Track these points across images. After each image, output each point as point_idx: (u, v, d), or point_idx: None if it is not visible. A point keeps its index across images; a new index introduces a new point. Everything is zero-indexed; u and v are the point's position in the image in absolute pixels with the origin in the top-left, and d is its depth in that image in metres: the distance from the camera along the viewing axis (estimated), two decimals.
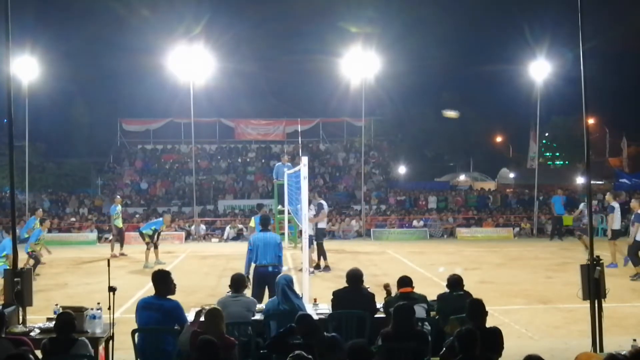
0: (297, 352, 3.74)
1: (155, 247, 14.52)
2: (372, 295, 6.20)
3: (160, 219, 15.28)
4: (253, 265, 7.92)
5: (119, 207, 16.55)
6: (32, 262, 12.20)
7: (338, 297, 6.10)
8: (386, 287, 6.67)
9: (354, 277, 6.20)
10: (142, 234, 14.64)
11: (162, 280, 5.52)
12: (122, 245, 16.39)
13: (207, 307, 5.58)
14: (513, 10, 44.73)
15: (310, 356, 3.74)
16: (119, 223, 16.33)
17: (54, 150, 34.07)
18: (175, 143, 32.69)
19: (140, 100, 36.23)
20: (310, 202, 13.80)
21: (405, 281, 6.14)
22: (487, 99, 43.59)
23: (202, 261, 15.78)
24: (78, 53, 34.96)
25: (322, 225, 13.56)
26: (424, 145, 39.95)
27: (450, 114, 19.65)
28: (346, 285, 6.26)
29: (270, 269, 7.76)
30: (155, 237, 14.54)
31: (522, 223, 23.54)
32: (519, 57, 26.95)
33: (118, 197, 18.10)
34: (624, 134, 32.17)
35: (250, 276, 7.73)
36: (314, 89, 39.51)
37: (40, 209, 16.80)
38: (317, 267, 13.13)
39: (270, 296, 7.21)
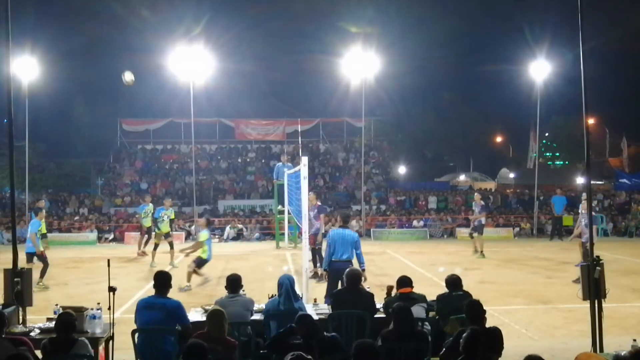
0: (296, 352, 3.73)
1: (155, 247, 14.33)
2: (372, 295, 6.21)
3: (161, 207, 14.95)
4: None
5: (149, 207, 15.84)
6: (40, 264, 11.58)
7: (337, 298, 6.10)
8: (389, 289, 6.65)
9: (353, 277, 6.21)
10: (156, 234, 14.48)
11: (164, 281, 5.53)
12: (146, 244, 16.00)
13: (207, 308, 5.59)
14: (513, 11, 44.84)
15: (309, 356, 3.73)
16: (147, 222, 15.72)
17: (54, 150, 34.12)
18: (175, 143, 32.70)
19: (140, 100, 36.23)
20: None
21: (404, 281, 6.14)
22: (487, 99, 43.70)
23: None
24: (78, 53, 34.99)
25: (323, 230, 13.06)
26: (424, 145, 39.97)
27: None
28: (345, 285, 6.27)
29: (337, 265, 7.96)
30: (162, 227, 14.31)
31: (522, 223, 23.54)
32: (519, 57, 27.00)
33: (148, 196, 17.52)
34: (624, 134, 32.14)
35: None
36: (314, 89, 39.59)
37: (43, 201, 16.73)
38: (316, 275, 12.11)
39: None
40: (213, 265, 14.46)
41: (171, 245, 14.25)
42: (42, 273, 11.44)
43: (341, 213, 8.99)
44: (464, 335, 4.20)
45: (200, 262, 11.01)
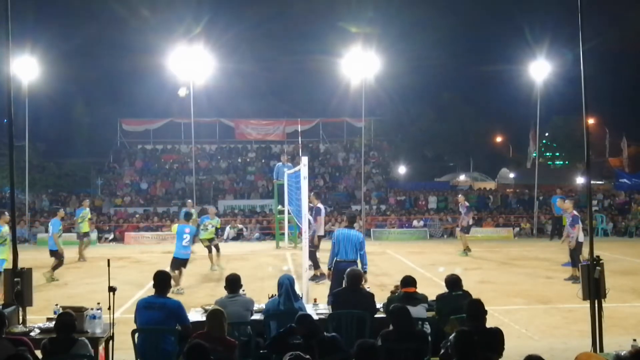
0: (294, 352, 3.73)
1: (217, 249, 13.86)
2: (372, 295, 6.21)
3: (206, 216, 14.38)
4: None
5: (192, 210, 15.44)
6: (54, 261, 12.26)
7: (338, 297, 6.10)
8: (395, 289, 6.64)
9: (353, 277, 6.21)
10: (201, 240, 13.88)
11: (163, 281, 5.52)
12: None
13: (207, 308, 5.58)
14: (513, 10, 44.83)
15: (308, 356, 3.73)
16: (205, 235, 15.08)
17: (54, 150, 34.12)
18: (175, 143, 32.70)
19: (140, 100, 36.29)
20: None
21: (408, 281, 6.17)
22: (487, 99, 43.69)
23: (202, 261, 15.75)
24: (78, 53, 35.04)
25: (320, 232, 12.23)
26: (424, 145, 39.94)
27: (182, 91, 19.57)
28: (345, 285, 6.27)
29: (342, 265, 7.99)
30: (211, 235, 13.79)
31: (522, 223, 23.54)
32: (519, 57, 27.02)
33: (189, 201, 17.15)
34: (624, 134, 32.17)
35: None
36: (314, 89, 39.62)
37: (87, 200, 16.77)
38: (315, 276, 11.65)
39: None
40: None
41: (217, 248, 13.87)
42: (55, 267, 12.13)
43: (347, 213, 9.01)
44: (452, 337, 4.18)
45: (173, 264, 10.56)
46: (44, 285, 11.42)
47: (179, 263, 10.74)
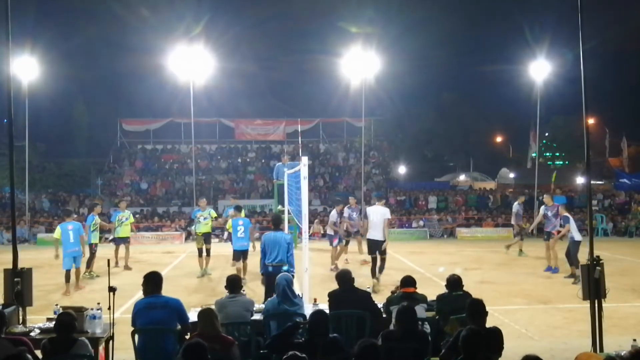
0: (291, 352, 3.73)
1: (207, 254, 12.76)
2: (369, 294, 6.20)
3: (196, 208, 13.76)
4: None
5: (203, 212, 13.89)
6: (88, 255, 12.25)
7: (334, 298, 6.09)
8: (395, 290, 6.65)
9: (344, 277, 6.19)
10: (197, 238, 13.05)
11: (159, 281, 5.49)
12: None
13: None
14: (513, 11, 44.83)
15: (304, 355, 3.73)
16: (200, 228, 13.53)
17: (54, 150, 34.17)
18: (175, 143, 32.72)
19: (140, 100, 36.38)
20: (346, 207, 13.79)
21: (408, 281, 6.16)
22: (487, 98, 43.75)
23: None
24: (78, 53, 35.11)
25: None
26: (424, 145, 39.99)
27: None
28: (339, 287, 6.22)
29: (271, 268, 7.92)
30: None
31: (522, 223, 23.49)
32: (519, 57, 27.06)
33: (204, 199, 15.00)
34: (624, 134, 32.21)
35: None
36: (314, 89, 39.71)
37: (124, 201, 15.96)
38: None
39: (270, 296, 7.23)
40: (213, 266, 14.50)
41: (208, 252, 12.74)
42: (88, 264, 12.29)
43: (272, 216, 8.80)
44: (462, 335, 4.19)
45: (234, 256, 11.54)
46: (44, 285, 11.38)
47: (238, 255, 11.45)
